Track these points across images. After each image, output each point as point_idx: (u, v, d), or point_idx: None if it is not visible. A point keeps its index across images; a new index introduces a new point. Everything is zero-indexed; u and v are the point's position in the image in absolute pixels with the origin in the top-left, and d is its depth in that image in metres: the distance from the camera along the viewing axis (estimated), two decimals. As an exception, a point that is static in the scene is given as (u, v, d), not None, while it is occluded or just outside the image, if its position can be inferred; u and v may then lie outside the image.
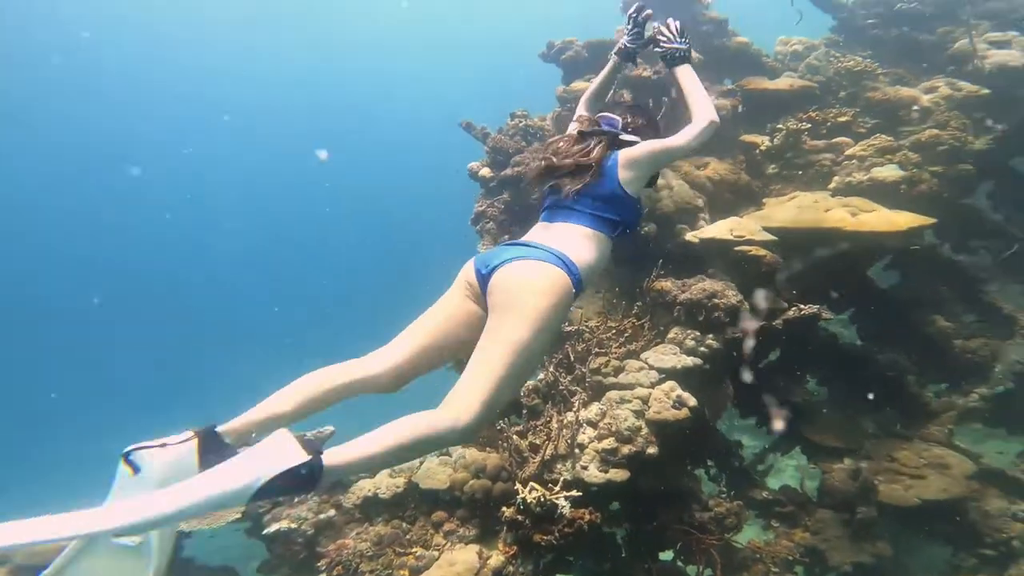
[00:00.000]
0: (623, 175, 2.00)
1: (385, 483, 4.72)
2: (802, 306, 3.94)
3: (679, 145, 2.01)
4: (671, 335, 4.24)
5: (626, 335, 4.57)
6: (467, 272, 1.92)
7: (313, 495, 1.27)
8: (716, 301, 4.02)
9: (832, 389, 4.43)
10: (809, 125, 4.52)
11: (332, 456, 1.33)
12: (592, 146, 2.06)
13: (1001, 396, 3.98)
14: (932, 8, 5.52)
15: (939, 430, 3.95)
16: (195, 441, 1.49)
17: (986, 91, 4.45)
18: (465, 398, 1.56)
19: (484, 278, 1.81)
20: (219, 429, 1.54)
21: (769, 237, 3.99)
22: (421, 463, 5.00)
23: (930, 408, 4.04)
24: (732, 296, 3.99)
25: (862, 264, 4.35)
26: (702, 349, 4.08)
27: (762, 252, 4.01)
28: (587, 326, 4.67)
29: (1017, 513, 3.44)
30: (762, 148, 4.62)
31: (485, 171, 4.89)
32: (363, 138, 34.92)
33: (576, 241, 1.92)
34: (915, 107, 4.52)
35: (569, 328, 4.66)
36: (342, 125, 33.65)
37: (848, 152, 4.34)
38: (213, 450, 1.49)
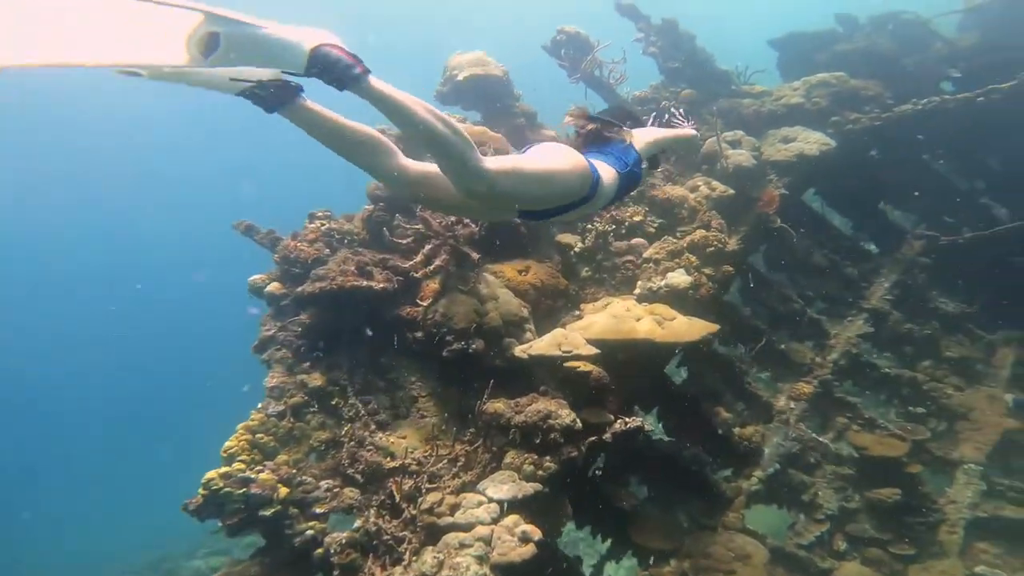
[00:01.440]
0: (640, 140, 2.79)
1: None
2: (627, 419, 4.05)
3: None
4: (508, 459, 3.96)
5: (460, 464, 4.14)
6: None
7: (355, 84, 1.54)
8: (551, 422, 3.88)
9: (650, 487, 4.67)
10: (614, 226, 4.86)
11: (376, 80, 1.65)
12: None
13: (772, 476, 4.68)
14: (684, 106, 6.42)
15: (735, 516, 4.42)
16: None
17: (731, 191, 5.30)
18: (495, 158, 1.98)
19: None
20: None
21: (594, 350, 4.05)
22: None
23: (726, 496, 4.51)
24: (566, 416, 3.91)
25: (662, 364, 4.75)
26: (541, 473, 3.87)
27: (589, 367, 4.05)
28: (415, 458, 4.10)
29: (804, 592, 4.00)
30: (575, 250, 4.80)
31: (274, 286, 4.00)
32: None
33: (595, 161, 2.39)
34: (684, 206, 5.13)
35: (392, 464, 4.04)
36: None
37: (646, 254, 4.76)
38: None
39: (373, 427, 4.08)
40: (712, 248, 4.79)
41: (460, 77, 5.14)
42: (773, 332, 5.49)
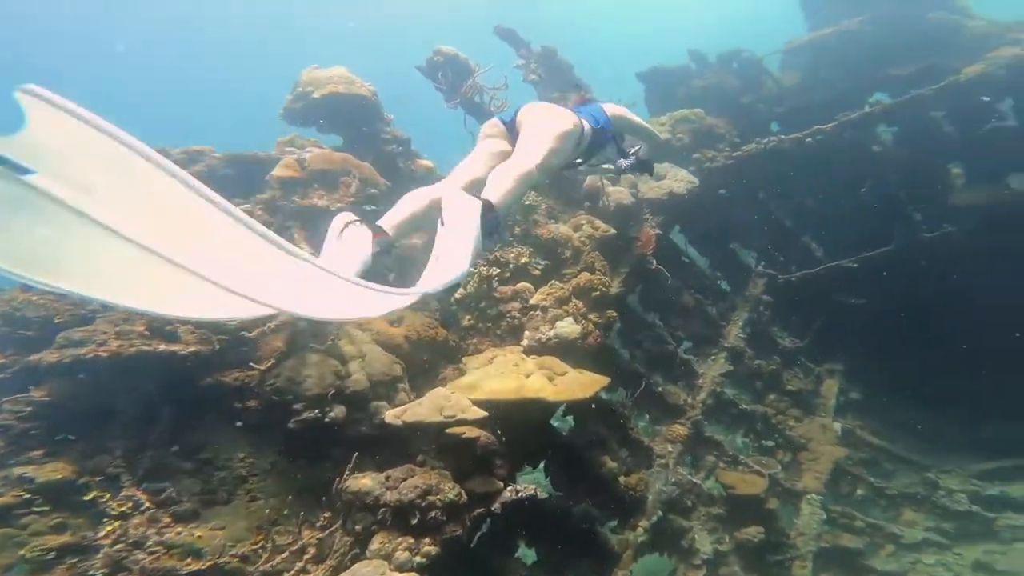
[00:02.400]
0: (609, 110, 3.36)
1: None
2: (518, 487, 3.61)
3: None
4: (376, 545, 3.25)
5: (308, 555, 3.34)
6: (492, 124, 3.05)
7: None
8: (432, 499, 3.28)
9: (539, 549, 4.26)
10: (499, 270, 4.44)
11: (492, 196, 2.20)
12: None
13: (656, 524, 4.56)
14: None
15: (624, 574, 4.20)
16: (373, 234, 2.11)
17: (613, 230, 5.17)
18: (527, 150, 2.58)
19: (511, 120, 2.93)
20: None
21: (481, 413, 3.55)
22: None
23: (615, 552, 4.28)
24: (450, 490, 3.33)
25: (551, 418, 4.40)
26: (419, 559, 3.25)
27: (476, 432, 3.54)
28: (236, 554, 3.20)
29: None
30: (457, 296, 4.28)
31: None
32: None
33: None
34: (569, 246, 4.88)
35: (196, 565, 3.09)
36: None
37: (532, 301, 4.40)
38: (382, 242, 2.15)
39: (167, 520, 3.09)
40: (597, 293, 4.60)
41: (317, 95, 4.38)
42: (650, 374, 5.49)
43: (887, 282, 6.78)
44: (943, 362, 6.99)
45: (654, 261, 5.38)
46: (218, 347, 3.02)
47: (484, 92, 5.29)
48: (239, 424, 3.24)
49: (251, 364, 3.08)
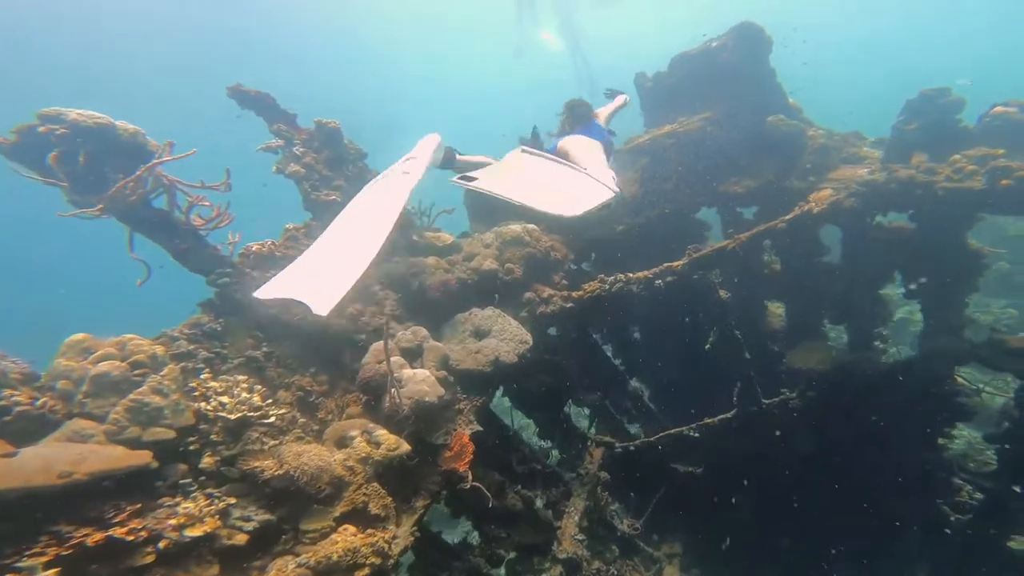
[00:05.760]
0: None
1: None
2: None
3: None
4: None
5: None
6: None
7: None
8: None
9: None
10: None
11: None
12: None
13: None
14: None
15: None
16: None
17: (406, 447, 3.22)
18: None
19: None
20: None
21: None
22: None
23: None
24: None
25: None
26: None
27: None
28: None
29: None
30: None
31: None
32: None
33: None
34: (326, 479, 2.81)
35: None
36: None
37: None
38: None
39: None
40: (367, 570, 2.52)
41: None
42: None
43: (724, 449, 5.94)
44: (770, 526, 6.35)
45: (470, 476, 3.49)
46: None
47: (175, 191, 2.98)
48: None
49: None
